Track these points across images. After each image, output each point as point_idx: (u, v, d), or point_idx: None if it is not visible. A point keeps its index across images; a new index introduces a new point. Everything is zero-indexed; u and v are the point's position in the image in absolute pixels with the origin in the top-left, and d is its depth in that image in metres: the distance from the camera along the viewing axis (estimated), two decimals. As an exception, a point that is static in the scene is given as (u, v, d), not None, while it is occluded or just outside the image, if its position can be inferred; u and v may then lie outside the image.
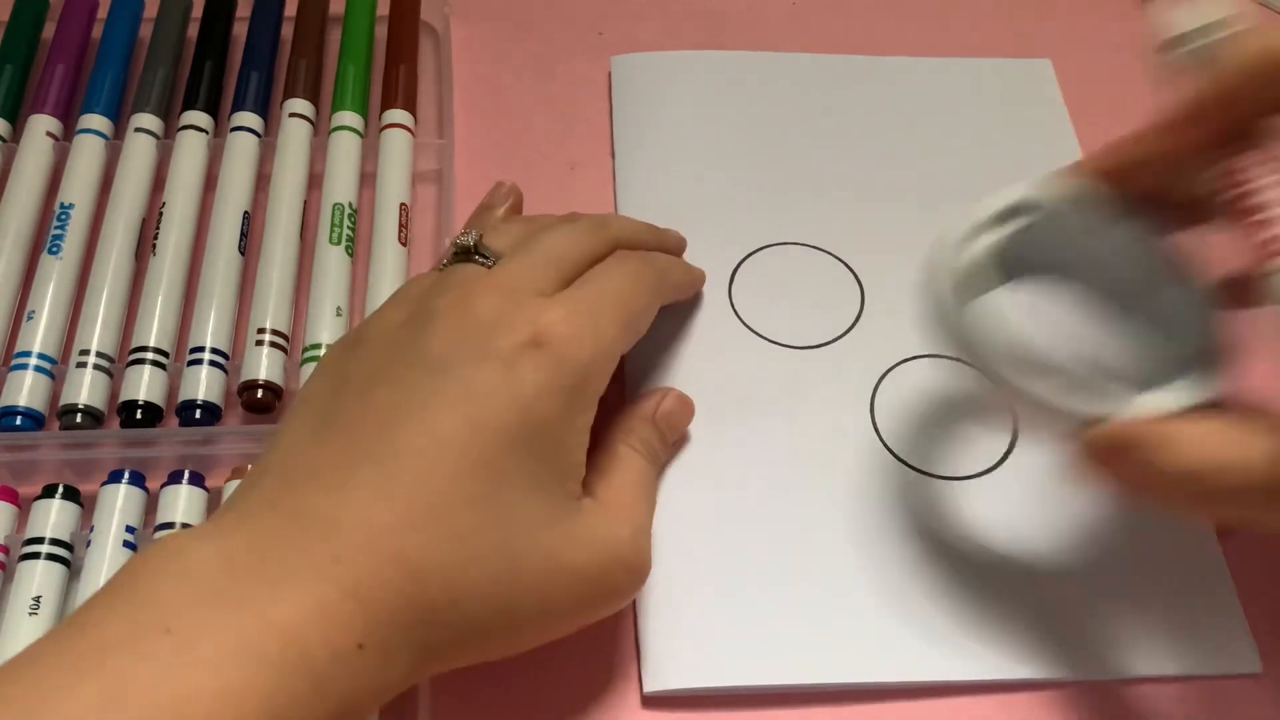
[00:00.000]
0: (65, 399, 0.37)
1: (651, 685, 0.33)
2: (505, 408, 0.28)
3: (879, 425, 0.38)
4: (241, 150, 0.44)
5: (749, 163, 0.46)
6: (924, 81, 0.49)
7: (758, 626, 0.34)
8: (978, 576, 0.35)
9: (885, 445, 0.38)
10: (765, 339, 0.40)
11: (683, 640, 0.34)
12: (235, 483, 0.35)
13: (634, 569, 0.31)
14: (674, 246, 0.41)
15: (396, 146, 0.45)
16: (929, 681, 0.33)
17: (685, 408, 0.37)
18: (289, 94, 0.46)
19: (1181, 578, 0.35)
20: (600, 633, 0.34)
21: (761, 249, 0.43)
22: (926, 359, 0.40)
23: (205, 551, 0.25)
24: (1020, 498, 0.37)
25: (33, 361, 0.38)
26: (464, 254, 0.33)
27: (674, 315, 0.41)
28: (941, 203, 0.42)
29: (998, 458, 0.38)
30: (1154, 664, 0.33)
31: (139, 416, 0.37)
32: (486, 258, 0.33)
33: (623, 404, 0.38)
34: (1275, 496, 0.27)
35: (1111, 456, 0.29)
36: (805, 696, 0.33)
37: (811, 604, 0.34)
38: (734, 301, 0.41)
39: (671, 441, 0.37)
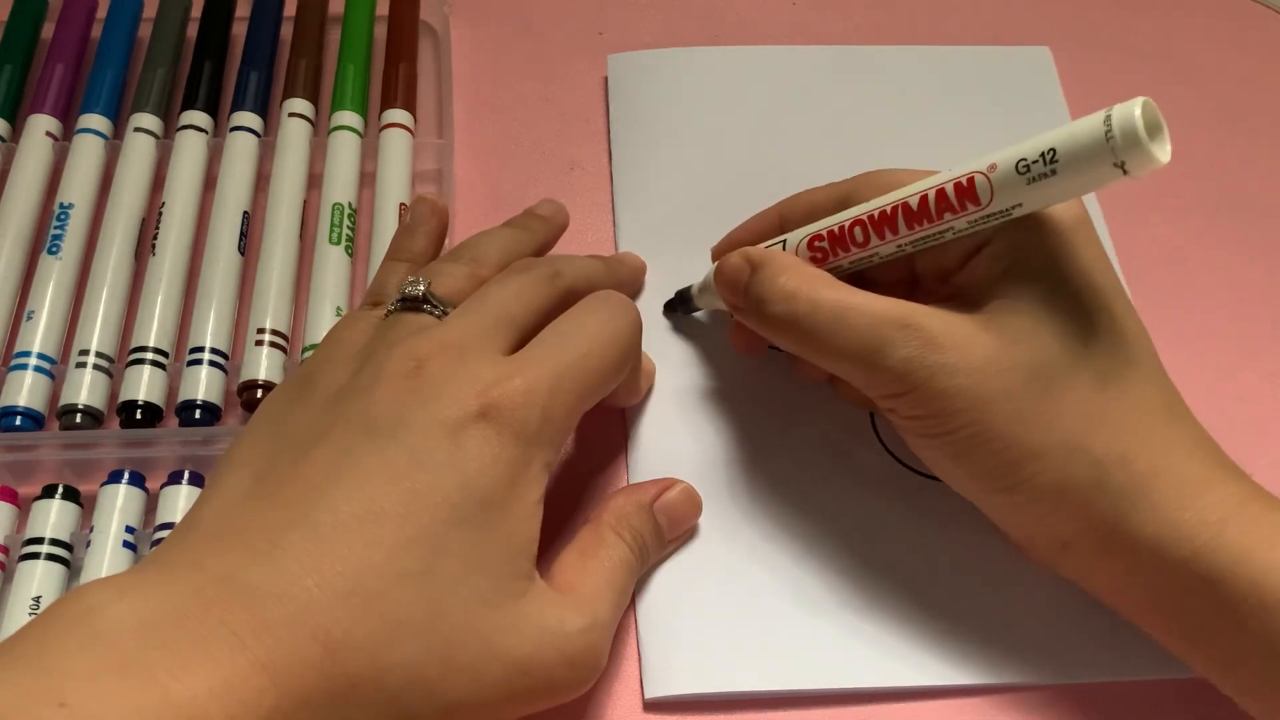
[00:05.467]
0: (65, 399, 0.37)
1: (653, 691, 0.33)
2: (447, 482, 0.27)
3: (879, 428, 0.38)
4: (241, 150, 0.44)
5: (746, 159, 0.46)
6: (922, 70, 0.49)
7: (758, 631, 0.34)
8: (979, 580, 0.35)
9: (885, 448, 0.38)
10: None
11: (683, 646, 0.34)
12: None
13: (580, 665, 0.29)
14: (629, 280, 0.41)
15: (396, 146, 0.45)
16: (931, 685, 0.33)
17: (690, 503, 0.35)
18: (289, 94, 0.46)
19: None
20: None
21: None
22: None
23: (118, 612, 0.23)
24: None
25: (32, 361, 0.38)
26: (412, 303, 0.31)
27: (670, 320, 0.41)
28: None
29: (997, 459, 0.38)
30: (1155, 664, 0.33)
31: (139, 416, 0.37)
32: (436, 308, 0.31)
33: (623, 436, 0.38)
34: (861, 354, 0.31)
35: (733, 275, 0.34)
36: (807, 701, 0.33)
37: (813, 608, 0.34)
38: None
39: (670, 539, 0.35)
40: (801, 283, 0.32)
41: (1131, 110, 0.26)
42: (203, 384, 0.38)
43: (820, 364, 0.33)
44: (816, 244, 0.34)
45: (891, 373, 0.31)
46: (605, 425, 0.39)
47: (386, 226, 0.42)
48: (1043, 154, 0.28)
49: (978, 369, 0.30)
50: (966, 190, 0.30)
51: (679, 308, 0.41)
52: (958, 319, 0.31)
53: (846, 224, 0.33)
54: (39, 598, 0.33)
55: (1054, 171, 0.28)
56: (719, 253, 0.39)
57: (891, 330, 0.31)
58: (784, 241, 0.35)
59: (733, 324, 0.39)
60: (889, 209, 0.32)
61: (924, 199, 0.31)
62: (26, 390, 0.37)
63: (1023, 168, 0.29)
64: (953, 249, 0.32)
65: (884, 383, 0.31)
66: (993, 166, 0.30)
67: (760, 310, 0.33)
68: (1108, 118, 0.27)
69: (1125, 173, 0.27)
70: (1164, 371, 0.32)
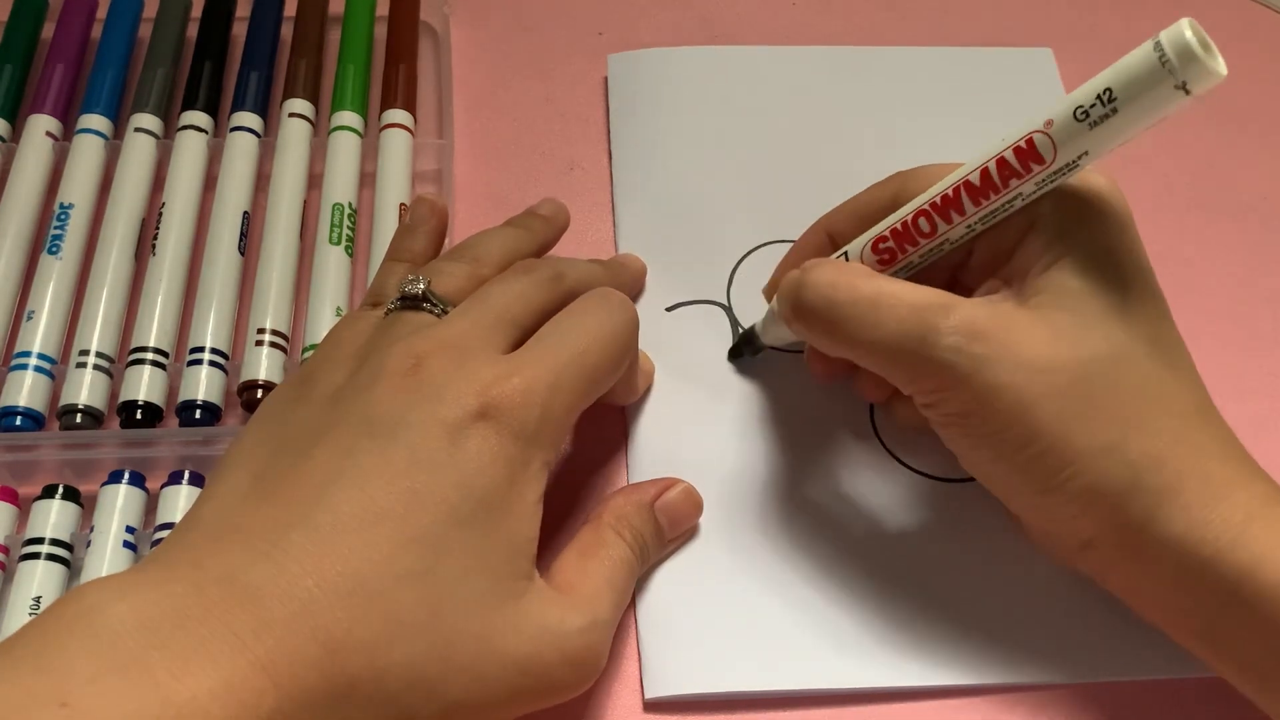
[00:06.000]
0: (65, 399, 0.37)
1: (653, 691, 0.33)
2: (447, 481, 0.27)
3: (879, 427, 0.38)
4: (241, 150, 0.44)
5: (745, 159, 0.46)
6: (924, 71, 0.49)
7: (758, 631, 0.34)
8: (980, 579, 0.35)
9: (885, 448, 0.38)
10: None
11: (683, 646, 0.34)
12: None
13: (580, 665, 0.29)
14: (630, 284, 0.40)
15: (396, 146, 0.45)
16: (932, 685, 0.33)
17: (690, 503, 0.35)
18: (289, 94, 0.46)
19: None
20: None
21: (760, 247, 0.43)
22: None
23: (119, 612, 0.23)
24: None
25: (33, 361, 0.38)
26: (412, 302, 0.31)
27: (670, 319, 0.41)
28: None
29: (997, 459, 0.38)
30: (1156, 665, 0.33)
31: (139, 417, 0.37)
32: (435, 306, 0.31)
33: (623, 435, 0.38)
34: (898, 350, 0.31)
35: (788, 285, 0.33)
36: (807, 701, 0.33)
37: (813, 608, 0.34)
38: (732, 303, 0.41)
39: (670, 538, 0.35)
40: (840, 273, 0.32)
41: (1181, 30, 0.26)
42: (203, 384, 0.38)
43: (860, 359, 0.32)
44: (881, 246, 0.33)
45: (935, 363, 0.30)
46: (605, 425, 0.39)
47: (386, 226, 0.42)
48: (1099, 96, 0.28)
49: (1025, 364, 0.29)
50: (1028, 152, 0.29)
51: (745, 349, 0.40)
52: (1004, 309, 0.31)
53: (909, 218, 0.32)
54: (39, 598, 0.33)
55: (1115, 110, 0.28)
56: (773, 285, 0.39)
57: (935, 316, 0.30)
58: (845, 254, 0.35)
59: (809, 351, 0.38)
60: (950, 192, 0.31)
61: (985, 172, 0.30)
62: (26, 390, 0.37)
63: (1081, 114, 0.28)
64: (1010, 227, 0.32)
65: (926, 375, 0.31)
66: (1049, 122, 0.29)
67: (799, 299, 0.33)
68: (1157, 44, 0.27)
69: (1187, 93, 0.27)
70: (1198, 375, 0.32)
